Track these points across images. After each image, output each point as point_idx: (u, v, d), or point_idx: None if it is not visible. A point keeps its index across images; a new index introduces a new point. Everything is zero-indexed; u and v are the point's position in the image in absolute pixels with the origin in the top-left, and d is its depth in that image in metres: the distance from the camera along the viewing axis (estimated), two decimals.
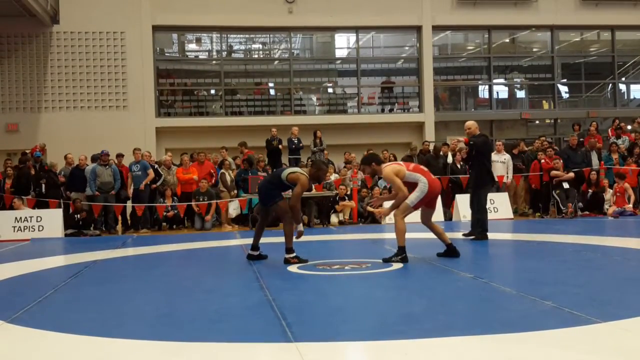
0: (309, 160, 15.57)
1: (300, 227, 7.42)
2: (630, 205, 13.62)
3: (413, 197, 7.03)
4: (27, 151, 14.77)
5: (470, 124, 9.74)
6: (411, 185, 7.11)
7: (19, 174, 13.56)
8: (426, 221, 7.46)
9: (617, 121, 16.57)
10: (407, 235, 7.30)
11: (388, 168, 7.24)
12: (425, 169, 7.50)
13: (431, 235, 7.57)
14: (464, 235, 9.59)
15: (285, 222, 7.54)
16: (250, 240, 8.08)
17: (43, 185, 13.45)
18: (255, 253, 7.79)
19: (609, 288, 5.52)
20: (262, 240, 7.92)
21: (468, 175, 13.06)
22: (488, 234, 9.39)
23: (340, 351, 3.82)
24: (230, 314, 4.84)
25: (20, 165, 13.80)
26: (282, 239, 7.68)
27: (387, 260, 7.04)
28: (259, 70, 20.69)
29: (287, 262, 7.36)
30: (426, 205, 7.26)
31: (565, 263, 7.04)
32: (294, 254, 7.43)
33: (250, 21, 19.20)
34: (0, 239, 12.25)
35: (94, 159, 13.85)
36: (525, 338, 3.82)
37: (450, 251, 7.42)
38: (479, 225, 9.40)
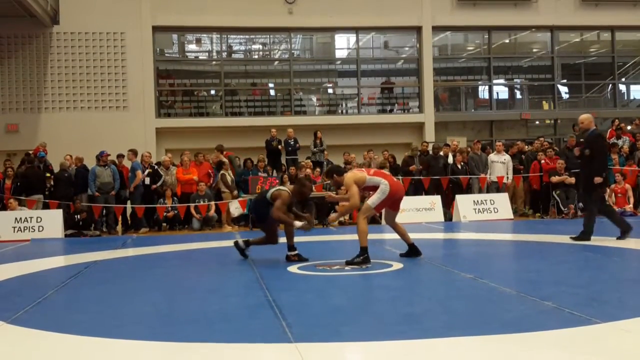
0: (307, 159, 15.59)
1: (297, 223, 7.57)
2: (631, 206, 13.61)
3: (375, 199, 7.17)
4: (30, 152, 14.76)
5: (584, 117, 9.13)
6: (373, 190, 7.27)
7: (25, 174, 13.55)
8: (390, 222, 7.59)
9: (617, 121, 16.55)
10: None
11: (348, 175, 7.37)
12: (387, 173, 7.80)
13: (433, 236, 7.60)
14: (617, 238, 8.62)
15: (286, 225, 7.69)
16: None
17: (51, 185, 13.53)
18: (243, 247, 8.02)
19: (609, 288, 5.52)
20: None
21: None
22: (493, 234, 9.29)
23: (340, 351, 3.81)
24: (230, 314, 4.84)
25: (29, 165, 13.78)
26: (279, 240, 7.77)
27: (350, 263, 7.02)
28: (259, 70, 20.69)
29: (289, 259, 7.62)
30: (389, 207, 7.42)
31: (565, 263, 7.04)
32: (295, 252, 7.67)
33: (250, 22, 19.19)
34: (1, 239, 12.25)
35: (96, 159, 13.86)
36: (525, 338, 3.82)
37: (413, 251, 7.53)
38: (588, 225, 8.72)
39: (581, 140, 15.39)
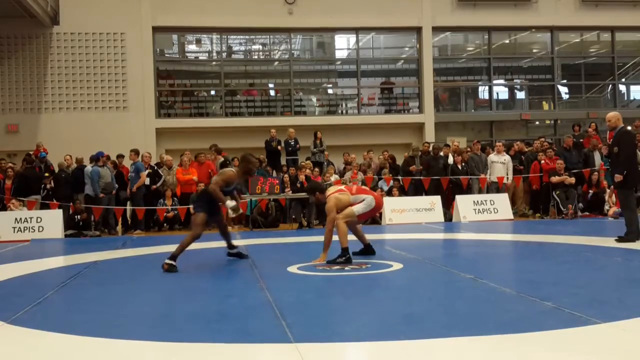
0: (307, 160, 15.60)
1: (229, 203, 7.56)
2: None
3: (360, 207, 7.51)
4: (31, 152, 14.76)
5: (611, 115, 9.03)
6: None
7: (24, 174, 13.54)
8: (352, 226, 7.82)
9: None
10: (408, 236, 7.30)
11: (332, 201, 7.52)
12: (368, 189, 8.49)
13: (433, 236, 7.61)
14: (616, 240, 8.52)
15: (191, 231, 7.68)
16: (250, 241, 8.13)
17: (51, 185, 13.52)
18: (233, 251, 8.13)
19: (608, 288, 5.52)
20: (263, 241, 7.98)
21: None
22: (493, 235, 9.26)
23: (340, 352, 3.82)
24: (230, 314, 4.84)
25: (28, 166, 13.78)
26: (279, 240, 7.78)
27: (332, 262, 7.19)
28: (259, 71, 20.69)
29: (168, 267, 7.22)
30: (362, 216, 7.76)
31: (565, 264, 7.04)
32: (174, 263, 7.28)
33: (250, 22, 19.19)
34: (1, 239, 12.24)
35: (92, 159, 13.83)
36: (525, 338, 3.83)
37: (367, 250, 7.86)
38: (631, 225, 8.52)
39: (581, 140, 15.50)
